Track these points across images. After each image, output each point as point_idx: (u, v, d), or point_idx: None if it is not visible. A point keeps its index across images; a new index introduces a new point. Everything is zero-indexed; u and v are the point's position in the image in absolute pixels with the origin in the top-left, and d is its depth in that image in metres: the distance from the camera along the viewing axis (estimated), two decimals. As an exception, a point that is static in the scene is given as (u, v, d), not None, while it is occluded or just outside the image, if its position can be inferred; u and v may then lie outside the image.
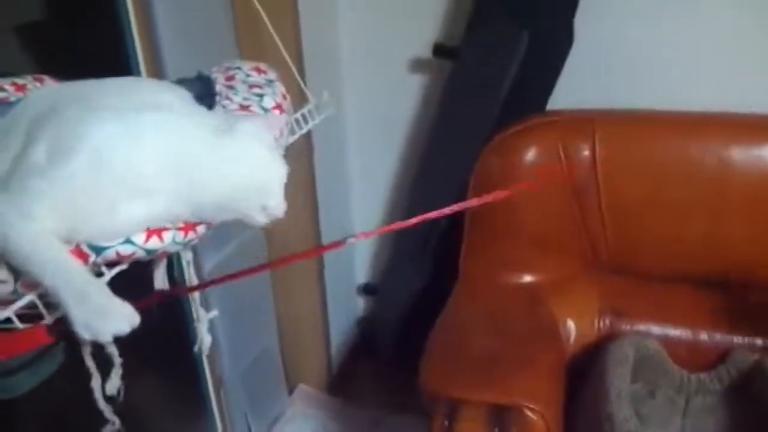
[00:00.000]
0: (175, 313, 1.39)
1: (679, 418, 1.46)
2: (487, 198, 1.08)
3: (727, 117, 1.59)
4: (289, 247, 1.78)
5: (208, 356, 1.48)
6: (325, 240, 1.90)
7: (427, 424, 1.33)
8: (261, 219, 0.81)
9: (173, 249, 0.88)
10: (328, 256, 1.97)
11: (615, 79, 1.72)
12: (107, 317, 0.71)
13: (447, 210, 0.89)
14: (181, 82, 1.01)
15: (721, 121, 1.59)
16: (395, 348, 2.05)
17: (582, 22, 1.64)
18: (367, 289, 2.20)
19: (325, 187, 1.91)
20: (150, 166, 0.74)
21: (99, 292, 0.73)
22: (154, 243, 0.79)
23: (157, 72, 1.32)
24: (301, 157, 1.79)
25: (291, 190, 0.82)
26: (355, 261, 2.21)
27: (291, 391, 2.07)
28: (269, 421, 1.93)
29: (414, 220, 0.87)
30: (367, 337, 2.24)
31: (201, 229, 0.86)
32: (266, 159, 0.80)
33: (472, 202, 1.16)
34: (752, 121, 1.58)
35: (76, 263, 0.73)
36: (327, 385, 2.14)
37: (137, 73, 1.28)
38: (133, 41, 1.26)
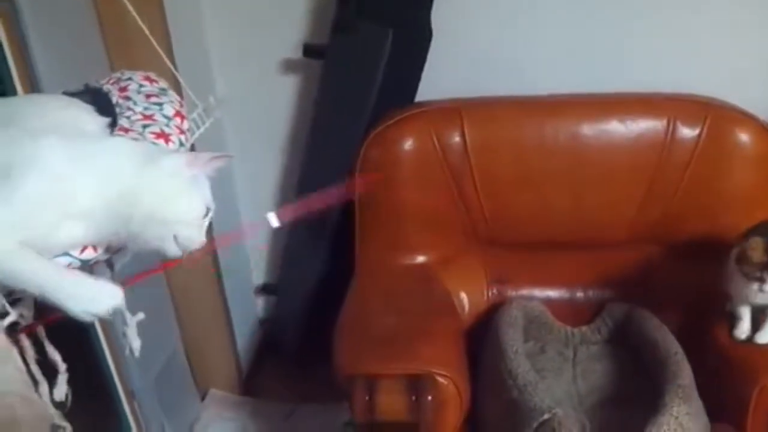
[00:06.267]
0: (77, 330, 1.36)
1: (570, 367, 1.59)
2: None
3: (577, 97, 1.73)
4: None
5: (117, 369, 1.46)
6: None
7: (336, 409, 1.38)
8: (173, 249, 0.85)
9: (104, 258, 0.92)
10: (224, 261, 1.96)
11: (474, 69, 1.83)
12: (101, 293, 0.79)
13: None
14: (71, 95, 1.02)
15: (572, 101, 1.72)
16: (299, 344, 2.07)
17: (439, 19, 1.74)
18: (266, 289, 2.21)
19: (211, 191, 1.88)
20: (87, 189, 0.79)
21: (84, 276, 0.79)
22: (88, 254, 0.84)
23: (31, 82, 1.29)
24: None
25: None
26: (251, 263, 2.20)
27: (203, 397, 2.06)
28: (186, 429, 1.92)
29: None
30: (271, 337, 2.24)
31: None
32: (181, 192, 0.84)
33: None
34: (598, 99, 1.72)
35: (52, 263, 0.78)
36: (238, 387, 2.14)
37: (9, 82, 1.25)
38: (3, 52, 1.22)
